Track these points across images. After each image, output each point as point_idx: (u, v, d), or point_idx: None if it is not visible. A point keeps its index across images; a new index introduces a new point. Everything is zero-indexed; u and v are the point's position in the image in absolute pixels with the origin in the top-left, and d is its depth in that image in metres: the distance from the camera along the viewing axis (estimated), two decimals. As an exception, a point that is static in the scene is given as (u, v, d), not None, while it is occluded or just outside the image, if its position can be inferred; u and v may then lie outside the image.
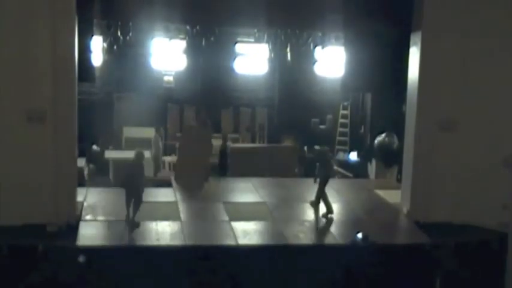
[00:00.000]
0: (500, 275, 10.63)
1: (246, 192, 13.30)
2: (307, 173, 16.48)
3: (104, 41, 16.72)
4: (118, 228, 10.52)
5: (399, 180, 13.41)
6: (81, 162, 13.06)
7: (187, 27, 17.01)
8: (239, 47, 18.22)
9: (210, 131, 14.58)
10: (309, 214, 11.84)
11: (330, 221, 11.47)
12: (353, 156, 19.08)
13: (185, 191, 13.03)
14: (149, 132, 17.34)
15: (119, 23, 16.32)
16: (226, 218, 11.25)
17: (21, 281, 9.18)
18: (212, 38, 17.61)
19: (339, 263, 9.99)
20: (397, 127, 14.75)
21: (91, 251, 9.50)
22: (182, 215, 11.29)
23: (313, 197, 12.12)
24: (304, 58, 18.48)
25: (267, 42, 18.22)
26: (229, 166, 15.20)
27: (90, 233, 10.23)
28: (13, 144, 10.03)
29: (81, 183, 12.33)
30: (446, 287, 10.39)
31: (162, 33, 16.91)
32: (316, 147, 17.98)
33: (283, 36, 18.00)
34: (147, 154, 15.50)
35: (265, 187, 13.84)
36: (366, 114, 19.65)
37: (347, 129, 20.20)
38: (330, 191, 13.81)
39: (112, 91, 18.66)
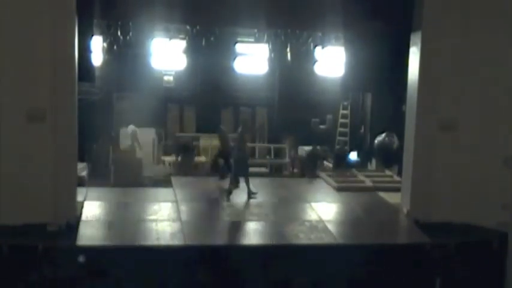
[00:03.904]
0: (500, 275, 10.64)
1: (246, 192, 13.29)
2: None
3: (104, 41, 16.72)
4: (118, 228, 10.53)
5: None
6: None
7: (187, 27, 17.02)
8: (239, 47, 18.22)
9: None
10: (309, 214, 11.85)
11: (330, 221, 11.47)
12: (353, 156, 19.09)
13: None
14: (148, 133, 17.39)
15: (119, 23, 16.33)
16: (226, 218, 11.25)
17: (21, 281, 9.18)
18: (212, 38, 17.61)
19: (338, 263, 9.99)
20: (397, 127, 14.77)
21: (91, 251, 9.49)
22: (182, 215, 11.29)
23: (313, 197, 12.13)
24: (304, 58, 18.49)
25: (267, 42, 18.23)
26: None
27: (90, 233, 10.23)
28: (13, 144, 10.03)
29: (81, 183, 12.32)
30: (446, 287, 10.39)
31: (162, 33, 16.92)
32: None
33: (283, 36, 18.01)
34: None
35: (265, 187, 13.84)
36: (366, 114, 19.67)
37: (347, 129, 20.20)
38: (331, 191, 13.86)
39: (112, 91, 18.64)
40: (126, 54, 17.46)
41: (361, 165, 17.67)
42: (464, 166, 11.26)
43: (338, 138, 20.26)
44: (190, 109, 19.55)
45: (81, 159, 13.30)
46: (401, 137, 13.44)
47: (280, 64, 19.06)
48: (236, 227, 10.76)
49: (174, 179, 14.19)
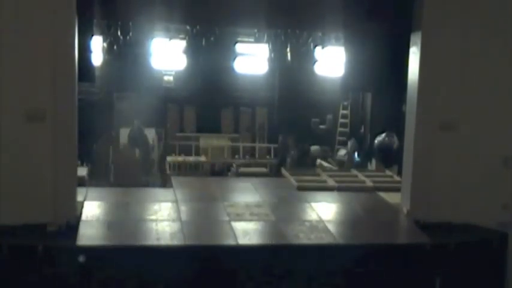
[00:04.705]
0: (500, 275, 10.65)
1: (246, 192, 13.30)
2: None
3: (104, 41, 16.76)
4: (118, 228, 10.53)
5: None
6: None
7: (187, 27, 17.05)
8: (239, 47, 18.25)
9: None
10: (309, 214, 11.85)
11: (330, 221, 11.46)
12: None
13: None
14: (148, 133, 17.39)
15: (119, 23, 16.36)
16: (226, 218, 11.25)
17: (21, 281, 9.18)
18: (212, 38, 17.66)
19: (338, 263, 9.99)
20: (397, 127, 14.78)
21: (91, 251, 9.50)
22: (182, 215, 11.29)
23: (313, 197, 12.12)
24: (304, 58, 18.53)
25: (267, 42, 18.28)
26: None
27: (90, 233, 10.22)
28: (13, 144, 10.02)
29: (81, 184, 12.33)
30: (446, 287, 10.39)
31: (162, 33, 16.94)
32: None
33: (283, 36, 18.06)
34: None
35: (265, 187, 13.84)
36: (366, 114, 19.70)
37: (347, 129, 20.24)
38: (331, 191, 13.85)
39: (112, 91, 18.66)
40: (126, 54, 17.49)
41: (361, 165, 17.68)
42: (464, 166, 11.26)
43: (338, 138, 20.29)
44: (190, 109, 19.57)
45: (81, 159, 13.33)
46: (401, 137, 13.44)
47: (280, 64, 19.09)
48: (236, 227, 10.75)
49: (174, 179, 14.19)
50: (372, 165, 17.56)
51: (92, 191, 12.49)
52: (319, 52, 18.10)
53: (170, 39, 17.07)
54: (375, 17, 11.72)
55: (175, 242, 10.08)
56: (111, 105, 18.61)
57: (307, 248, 10.32)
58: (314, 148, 19.02)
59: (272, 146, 19.15)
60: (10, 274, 9.16)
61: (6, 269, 9.17)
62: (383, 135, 17.36)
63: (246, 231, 10.61)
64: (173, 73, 18.99)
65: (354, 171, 15.58)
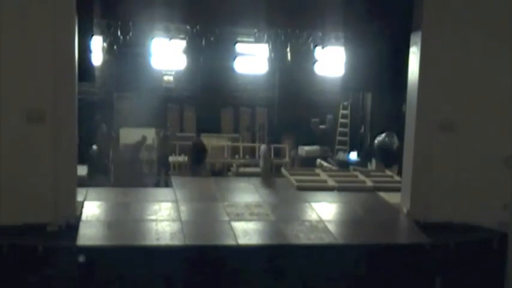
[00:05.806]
0: (500, 275, 10.64)
1: (246, 192, 13.30)
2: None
3: (104, 41, 16.79)
4: (118, 228, 10.53)
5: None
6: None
7: (187, 27, 17.09)
8: (239, 47, 18.28)
9: None
10: (309, 214, 11.86)
11: (330, 221, 11.47)
12: (353, 156, 19.12)
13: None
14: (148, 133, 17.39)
15: (119, 23, 16.38)
16: (226, 218, 11.25)
17: (21, 281, 9.18)
18: (212, 38, 17.69)
19: (338, 263, 9.99)
20: (397, 127, 14.78)
21: (91, 251, 9.50)
22: (182, 215, 11.29)
23: (313, 197, 12.13)
24: (304, 58, 18.56)
25: (267, 42, 18.31)
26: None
27: (90, 233, 10.22)
28: (13, 144, 10.02)
29: (81, 184, 12.32)
30: (446, 287, 10.39)
31: (162, 33, 16.97)
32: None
33: (283, 36, 18.09)
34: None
35: (265, 187, 13.84)
36: (366, 114, 19.70)
37: (347, 129, 20.25)
38: (331, 191, 13.86)
39: (112, 91, 18.67)
40: (126, 54, 17.53)
41: (361, 165, 17.68)
42: (464, 166, 11.26)
43: (338, 138, 20.29)
44: (190, 109, 19.56)
45: (81, 160, 13.32)
46: (401, 137, 13.44)
47: (280, 64, 19.12)
48: (236, 227, 10.76)
49: (174, 179, 14.20)
50: (372, 165, 17.56)
51: (92, 191, 12.49)
52: (319, 52, 18.11)
53: (170, 39, 17.08)
54: (375, 17, 11.72)
55: (175, 242, 10.09)
56: (111, 105, 18.62)
57: (307, 248, 10.32)
58: (314, 148, 19.03)
59: (273, 146, 19.17)
60: (10, 274, 9.17)
61: (6, 269, 9.17)
62: (383, 135, 17.36)
63: (246, 231, 10.61)
64: (173, 73, 18.99)
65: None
